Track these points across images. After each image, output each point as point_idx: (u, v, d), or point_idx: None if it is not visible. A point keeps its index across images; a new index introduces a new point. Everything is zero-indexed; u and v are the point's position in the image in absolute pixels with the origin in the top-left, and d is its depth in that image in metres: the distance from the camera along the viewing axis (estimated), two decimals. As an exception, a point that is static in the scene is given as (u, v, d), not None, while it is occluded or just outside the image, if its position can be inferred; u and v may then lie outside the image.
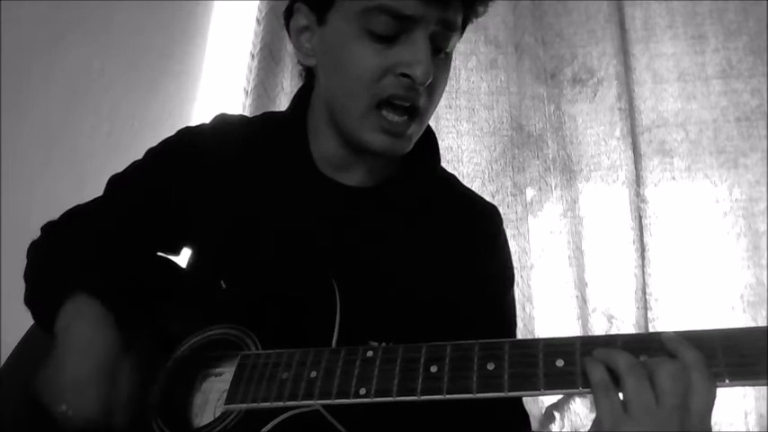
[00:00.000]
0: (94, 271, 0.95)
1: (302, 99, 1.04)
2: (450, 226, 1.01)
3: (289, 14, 0.98)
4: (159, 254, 1.09)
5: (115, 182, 1.09)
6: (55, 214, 1.09)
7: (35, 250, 1.05)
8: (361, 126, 0.90)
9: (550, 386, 0.65)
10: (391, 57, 0.86)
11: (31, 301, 1.00)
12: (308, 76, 1.02)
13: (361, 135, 0.90)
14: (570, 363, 0.65)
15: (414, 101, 0.88)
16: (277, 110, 2.19)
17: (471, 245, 1.01)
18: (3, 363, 1.06)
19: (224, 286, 0.97)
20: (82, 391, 0.83)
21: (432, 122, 1.05)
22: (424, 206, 1.01)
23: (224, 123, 1.08)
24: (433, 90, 0.90)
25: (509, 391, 0.67)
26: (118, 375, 0.85)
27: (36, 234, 1.07)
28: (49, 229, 1.07)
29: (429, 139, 1.04)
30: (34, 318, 1.01)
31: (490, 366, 0.68)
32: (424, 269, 0.97)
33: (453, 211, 1.04)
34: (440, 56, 0.91)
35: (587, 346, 0.66)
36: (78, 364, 0.85)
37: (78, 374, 0.84)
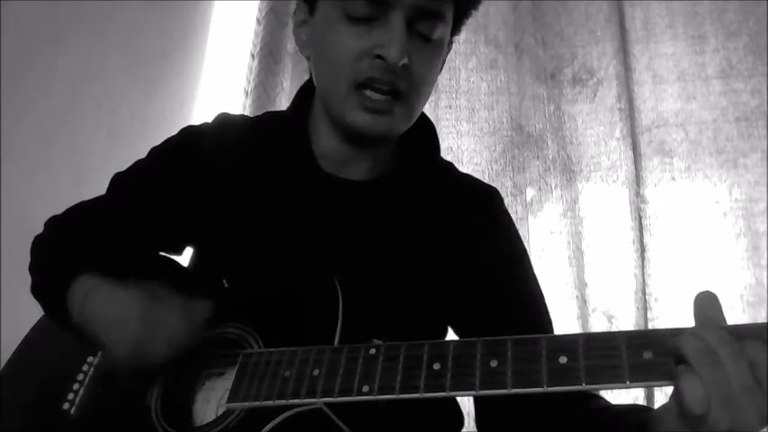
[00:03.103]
0: (100, 259, 0.96)
1: (303, 97, 1.04)
2: (452, 213, 1.02)
3: (294, 11, 1.01)
4: (162, 253, 1.09)
5: (118, 180, 1.09)
6: (55, 214, 1.09)
7: (39, 243, 1.05)
8: (344, 107, 0.91)
9: (554, 383, 0.65)
10: (368, 39, 0.88)
11: (38, 290, 1.00)
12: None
13: (345, 116, 0.92)
14: (573, 359, 0.65)
15: (392, 84, 0.89)
16: (277, 110, 2.20)
17: (475, 229, 1.01)
18: (3, 363, 1.06)
19: (226, 285, 0.97)
20: (145, 339, 0.83)
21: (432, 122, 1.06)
22: (426, 197, 1.01)
23: (226, 123, 1.08)
24: (414, 74, 0.90)
25: (512, 387, 0.66)
26: (162, 311, 0.85)
27: (35, 234, 1.07)
28: (52, 223, 1.07)
29: (428, 130, 1.04)
30: (43, 306, 1.01)
31: (493, 363, 0.67)
32: (430, 261, 0.97)
33: (453, 198, 1.04)
34: (426, 42, 0.91)
35: (590, 342, 0.66)
36: (118, 320, 0.85)
37: (125, 328, 0.84)
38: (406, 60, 0.87)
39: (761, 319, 1.88)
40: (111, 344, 0.86)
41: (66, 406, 0.94)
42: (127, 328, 0.84)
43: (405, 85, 0.90)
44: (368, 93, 0.89)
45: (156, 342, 0.83)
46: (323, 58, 0.93)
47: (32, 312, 1.03)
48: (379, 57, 0.87)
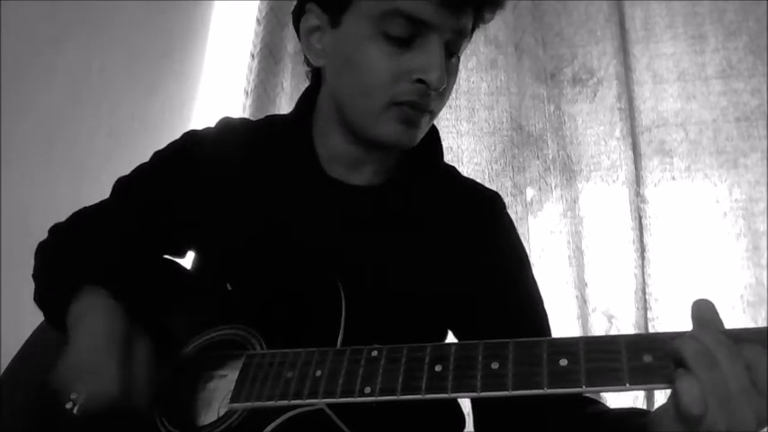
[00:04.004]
0: (104, 267, 0.96)
1: (307, 100, 1.04)
2: (454, 219, 1.02)
3: (298, 14, 0.98)
4: (165, 256, 1.10)
5: (122, 185, 1.09)
6: (55, 214, 1.09)
7: (44, 250, 1.05)
8: (375, 122, 0.91)
9: (554, 385, 0.65)
10: (406, 61, 0.87)
11: (41, 298, 1.01)
12: (315, 77, 1.02)
13: (376, 129, 0.91)
14: (574, 362, 0.65)
15: (427, 106, 0.90)
16: (277, 110, 2.20)
17: (476, 235, 1.01)
18: (4, 366, 1.06)
19: (229, 288, 0.97)
20: (100, 372, 0.83)
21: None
22: (429, 202, 1.01)
23: (228, 127, 1.08)
24: (443, 93, 0.92)
25: (513, 389, 0.66)
26: (135, 358, 0.85)
27: (35, 234, 1.07)
28: (56, 230, 1.07)
29: (432, 135, 1.04)
30: (45, 315, 1.01)
31: (494, 365, 0.68)
32: (432, 266, 0.98)
33: (455, 203, 1.04)
34: (451, 60, 0.92)
35: (590, 345, 0.66)
36: (95, 348, 0.85)
37: (95, 357, 0.84)
38: (445, 84, 0.88)
39: (761, 318, 1.88)
40: (75, 358, 0.86)
41: (68, 405, 0.95)
42: (94, 352, 0.85)
43: (435, 104, 0.91)
44: (404, 108, 0.89)
45: (104, 379, 0.83)
46: (351, 73, 0.91)
47: (32, 310, 1.03)
48: (419, 81, 0.87)
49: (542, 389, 0.65)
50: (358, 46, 0.89)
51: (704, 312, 0.63)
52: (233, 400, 0.80)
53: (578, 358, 0.65)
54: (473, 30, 0.96)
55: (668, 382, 0.61)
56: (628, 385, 0.62)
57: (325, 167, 1.00)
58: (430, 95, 0.89)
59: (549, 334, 1.00)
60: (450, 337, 1.06)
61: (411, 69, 0.87)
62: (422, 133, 0.94)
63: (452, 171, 1.11)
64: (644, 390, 1.69)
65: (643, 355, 0.63)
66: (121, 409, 0.84)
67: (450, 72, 0.92)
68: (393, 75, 0.88)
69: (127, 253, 1.02)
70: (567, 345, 0.67)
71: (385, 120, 0.90)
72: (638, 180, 2.06)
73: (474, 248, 1.00)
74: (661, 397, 1.81)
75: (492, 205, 1.07)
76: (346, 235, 0.96)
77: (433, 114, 0.94)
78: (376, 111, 0.90)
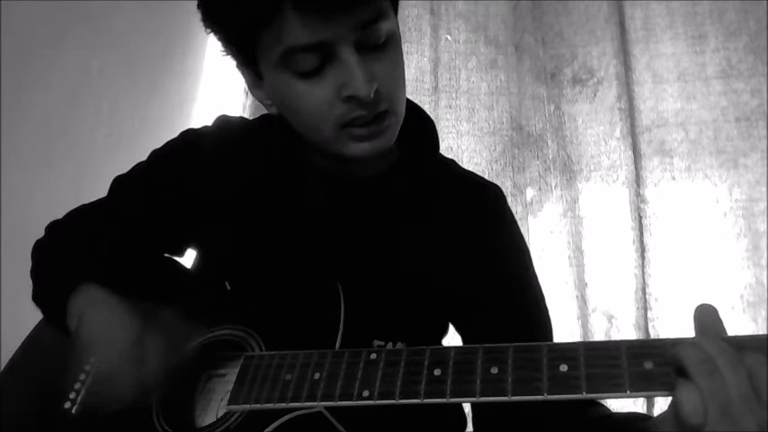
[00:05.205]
0: (100, 265, 0.96)
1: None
2: (454, 212, 1.00)
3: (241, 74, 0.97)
4: (164, 255, 1.10)
5: (120, 183, 1.09)
6: (55, 214, 1.09)
7: (40, 248, 1.05)
8: (337, 147, 0.89)
9: (554, 391, 0.65)
10: (328, 86, 0.84)
11: (38, 297, 1.01)
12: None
13: (342, 151, 0.90)
14: (574, 367, 0.65)
15: (376, 110, 0.86)
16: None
17: (478, 229, 1.00)
18: (3, 366, 1.06)
19: (228, 287, 0.97)
20: (119, 372, 0.82)
21: (432, 123, 1.05)
22: (427, 195, 1.00)
23: (226, 125, 1.08)
24: (386, 85, 0.86)
25: (512, 395, 0.66)
26: (147, 349, 0.84)
27: (35, 234, 1.07)
28: (53, 228, 1.07)
29: (426, 124, 1.03)
30: (44, 313, 1.01)
31: (494, 370, 0.67)
32: (432, 260, 0.97)
33: (455, 195, 1.03)
34: (380, 48, 0.86)
35: (590, 351, 0.66)
36: (106, 346, 0.84)
37: (109, 356, 0.83)
38: (375, 85, 0.83)
39: (761, 319, 1.88)
40: (86, 359, 0.87)
41: (67, 405, 0.95)
42: (105, 350, 0.84)
43: (384, 102, 0.87)
44: (354, 130, 0.87)
45: (124, 378, 0.82)
46: (294, 114, 0.90)
47: (32, 310, 1.03)
48: (350, 97, 0.83)
49: (542, 394, 0.65)
50: (281, 92, 0.88)
51: (706, 318, 0.63)
52: (231, 401, 0.80)
53: (579, 364, 0.65)
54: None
55: (669, 389, 0.60)
56: (628, 392, 0.62)
57: (318, 166, 1.00)
58: (370, 102, 0.84)
59: (551, 330, 1.00)
60: (452, 333, 1.06)
61: (336, 89, 0.84)
62: (392, 133, 0.91)
63: (451, 164, 1.10)
64: (644, 397, 1.69)
65: (644, 362, 0.63)
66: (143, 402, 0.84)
67: (384, 60, 0.86)
68: (324, 104, 0.85)
69: (124, 251, 1.02)
70: (568, 350, 0.66)
71: (344, 143, 0.88)
72: (638, 180, 2.06)
73: (476, 242, 0.99)
74: (662, 399, 1.81)
75: (494, 198, 1.06)
76: (344, 231, 0.96)
77: (394, 112, 0.89)
78: (331, 139, 0.88)
